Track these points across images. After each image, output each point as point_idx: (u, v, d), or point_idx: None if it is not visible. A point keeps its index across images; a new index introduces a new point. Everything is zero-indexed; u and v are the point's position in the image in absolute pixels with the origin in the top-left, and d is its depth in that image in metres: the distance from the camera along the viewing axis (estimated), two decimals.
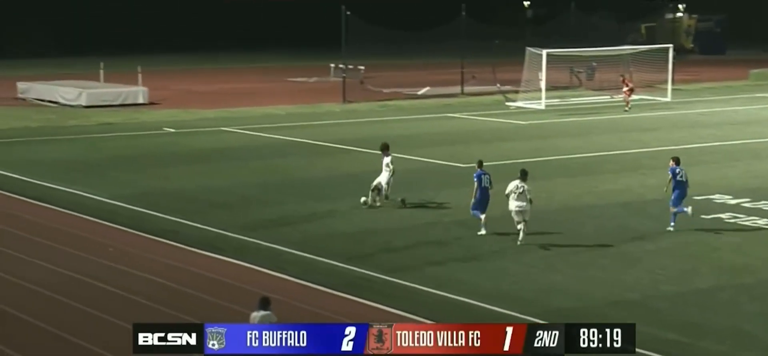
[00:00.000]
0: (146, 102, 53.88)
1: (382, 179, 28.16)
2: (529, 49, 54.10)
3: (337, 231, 25.77)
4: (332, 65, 67.16)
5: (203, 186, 31.07)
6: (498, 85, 57.90)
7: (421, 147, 39.33)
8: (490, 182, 25.62)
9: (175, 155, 37.76)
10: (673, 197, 25.47)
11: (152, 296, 20.33)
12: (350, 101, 55.44)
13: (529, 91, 53.93)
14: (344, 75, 57.06)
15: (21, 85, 56.93)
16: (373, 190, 28.02)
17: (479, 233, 25.02)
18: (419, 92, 60.30)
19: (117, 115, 49.42)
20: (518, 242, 24.05)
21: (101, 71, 58.50)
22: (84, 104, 52.40)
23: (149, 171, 34.10)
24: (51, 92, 54.82)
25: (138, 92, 54.32)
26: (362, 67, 62.97)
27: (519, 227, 24.18)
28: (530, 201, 24.27)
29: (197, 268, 22.44)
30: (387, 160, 28.26)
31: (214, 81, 68.38)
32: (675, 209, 25.48)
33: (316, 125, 46.78)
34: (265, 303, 15.99)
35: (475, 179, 25.74)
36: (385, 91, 60.30)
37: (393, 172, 28.19)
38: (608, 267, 22.68)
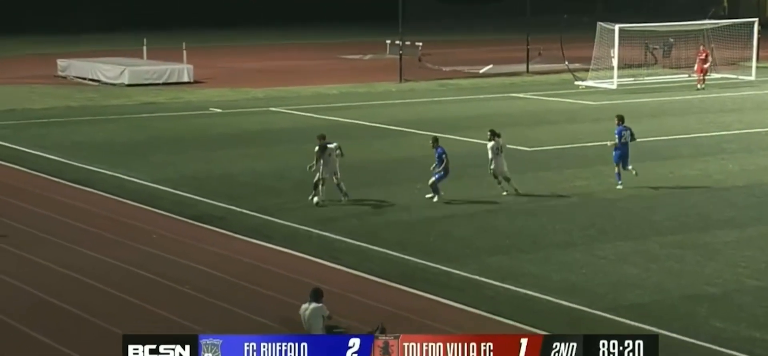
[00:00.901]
0: (191, 80, 54.34)
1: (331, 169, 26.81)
2: (601, 24, 53.63)
3: (393, 219, 25.81)
4: (388, 42, 67.12)
5: (251, 170, 31.27)
6: (566, 62, 57.47)
7: (482, 129, 39.13)
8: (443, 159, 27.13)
9: (222, 136, 38.06)
10: (615, 156, 28.56)
11: (198, 286, 20.53)
12: (407, 80, 55.39)
13: (599, 69, 53.51)
14: (401, 52, 57.01)
15: (61, 63, 57.73)
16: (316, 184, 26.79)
17: (434, 199, 26.91)
18: (481, 71, 60.08)
19: (161, 94, 49.89)
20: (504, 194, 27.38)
21: (144, 48, 59.08)
22: (126, 82, 52.99)
23: (194, 154, 34.40)
24: (92, 69, 55.51)
25: (183, 70, 54.80)
26: (420, 44, 62.87)
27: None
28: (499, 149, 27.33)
29: (244, 256, 22.62)
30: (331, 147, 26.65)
31: (262, 58, 68.75)
32: (619, 169, 28.59)
33: (370, 105, 46.83)
34: (316, 295, 16.06)
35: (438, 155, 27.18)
36: (444, 69, 60.20)
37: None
38: (686, 259, 22.45)
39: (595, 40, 53.91)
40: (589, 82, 53.34)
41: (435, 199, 27.26)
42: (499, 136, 28.44)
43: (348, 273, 21.59)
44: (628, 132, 28.75)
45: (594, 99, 48.31)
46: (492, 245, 23.47)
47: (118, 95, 49.87)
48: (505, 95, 50.57)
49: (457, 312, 19.22)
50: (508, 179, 28.27)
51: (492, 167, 28.37)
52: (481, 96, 50.25)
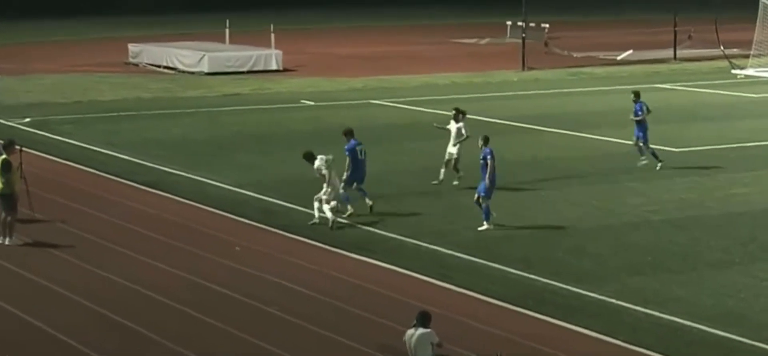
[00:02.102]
0: (280, 68, 54.88)
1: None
2: (765, 2, 52.72)
3: (514, 231, 25.67)
4: (509, 23, 66.93)
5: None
6: (722, 47, 56.62)
7: (621, 127, 38.80)
8: (365, 154, 26.82)
9: (316, 133, 38.30)
10: (637, 133, 31.45)
11: (287, 307, 20.66)
12: (532, 68, 55.14)
13: (762, 55, 52.61)
14: (524, 35, 56.80)
15: (132, 48, 58.79)
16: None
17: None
18: (619, 57, 59.54)
19: (245, 84, 50.47)
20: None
21: (227, 31, 59.87)
22: (206, 70, 53.72)
23: (283, 154, 34.68)
24: (167, 55, 56.42)
25: (270, 56, 55.37)
26: (546, 26, 62.58)
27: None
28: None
29: (341, 273, 22.70)
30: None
31: (361, 43, 69.11)
32: (641, 144, 31.33)
33: (488, 97, 46.72)
34: (424, 319, 16.01)
35: (347, 153, 26.56)
36: (575, 55, 59.79)
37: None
38: None
39: (758, 20, 53.05)
40: (750, 71, 52.48)
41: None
42: (465, 114, 29.34)
43: (461, 293, 21.53)
44: (646, 106, 31.63)
45: (755, 91, 47.49)
46: (632, 263, 23.20)
47: (197, 85, 50.58)
48: (649, 85, 49.94)
49: (591, 342, 19.03)
50: (457, 170, 29.02)
51: (455, 155, 28.98)
52: (620, 87, 49.68)
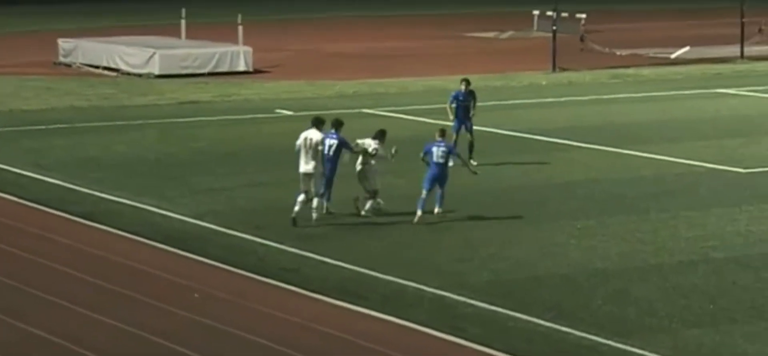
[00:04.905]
0: (250, 69, 54.93)
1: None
2: None
3: (543, 271, 25.72)
4: (536, 13, 67.07)
5: (337, 199, 31.44)
6: None
7: (676, 142, 38.89)
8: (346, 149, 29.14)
9: (294, 151, 38.29)
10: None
11: None
12: (564, 68, 55.25)
13: None
14: (555, 28, 56.89)
15: (64, 45, 58.80)
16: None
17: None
18: (673, 55, 59.63)
19: (206, 89, 50.50)
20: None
21: (182, 23, 59.82)
22: (157, 72, 53.78)
23: (255, 176, 34.72)
24: (108, 53, 56.44)
25: (238, 54, 55.41)
26: (583, 16, 62.65)
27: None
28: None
29: (328, 326, 22.70)
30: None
31: (352, 37, 69.18)
32: None
33: (510, 105, 46.81)
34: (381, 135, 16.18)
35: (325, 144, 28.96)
36: (618, 52, 59.88)
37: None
38: None
39: None
40: None
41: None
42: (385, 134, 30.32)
43: (477, 350, 21.56)
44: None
45: None
46: (689, 311, 23.25)
47: (146, 90, 50.60)
48: (710, 90, 50.11)
49: None
50: (375, 193, 29.76)
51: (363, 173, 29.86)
52: (673, 92, 49.86)
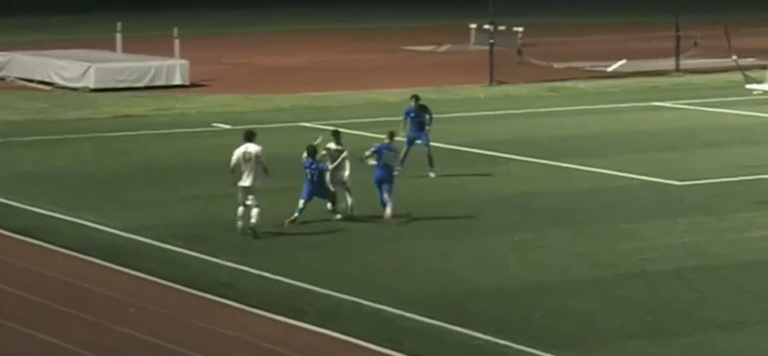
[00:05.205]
0: (186, 83, 54.80)
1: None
2: None
3: (481, 284, 25.78)
4: (473, 26, 67.21)
5: (276, 214, 31.40)
6: (734, 57, 56.99)
7: (613, 155, 39.08)
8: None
9: (230, 167, 38.22)
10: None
11: None
12: (502, 82, 55.40)
13: None
14: (492, 41, 57.04)
15: None
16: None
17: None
18: (610, 68, 59.93)
19: (142, 103, 50.31)
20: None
21: (118, 36, 59.64)
22: (92, 85, 53.57)
23: (192, 190, 34.62)
24: (42, 67, 56.16)
25: (174, 68, 55.29)
26: (520, 29, 62.85)
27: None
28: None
29: (266, 340, 22.65)
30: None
31: (289, 51, 69.10)
32: None
33: (448, 119, 46.80)
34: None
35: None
36: (556, 65, 60.12)
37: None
38: None
39: None
40: None
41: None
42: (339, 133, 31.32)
43: None
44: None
45: None
46: (627, 324, 23.34)
47: (81, 104, 50.35)
48: (646, 103, 50.35)
49: None
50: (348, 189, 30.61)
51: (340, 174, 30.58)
52: (610, 105, 50.09)
